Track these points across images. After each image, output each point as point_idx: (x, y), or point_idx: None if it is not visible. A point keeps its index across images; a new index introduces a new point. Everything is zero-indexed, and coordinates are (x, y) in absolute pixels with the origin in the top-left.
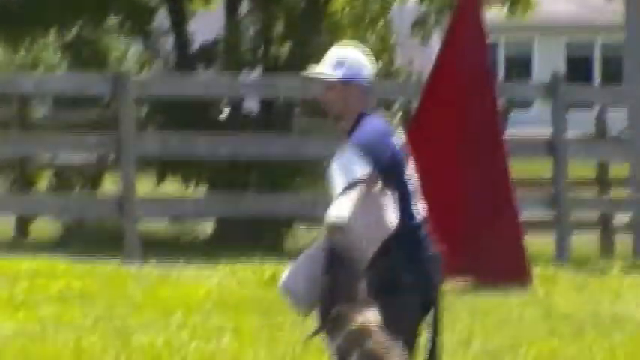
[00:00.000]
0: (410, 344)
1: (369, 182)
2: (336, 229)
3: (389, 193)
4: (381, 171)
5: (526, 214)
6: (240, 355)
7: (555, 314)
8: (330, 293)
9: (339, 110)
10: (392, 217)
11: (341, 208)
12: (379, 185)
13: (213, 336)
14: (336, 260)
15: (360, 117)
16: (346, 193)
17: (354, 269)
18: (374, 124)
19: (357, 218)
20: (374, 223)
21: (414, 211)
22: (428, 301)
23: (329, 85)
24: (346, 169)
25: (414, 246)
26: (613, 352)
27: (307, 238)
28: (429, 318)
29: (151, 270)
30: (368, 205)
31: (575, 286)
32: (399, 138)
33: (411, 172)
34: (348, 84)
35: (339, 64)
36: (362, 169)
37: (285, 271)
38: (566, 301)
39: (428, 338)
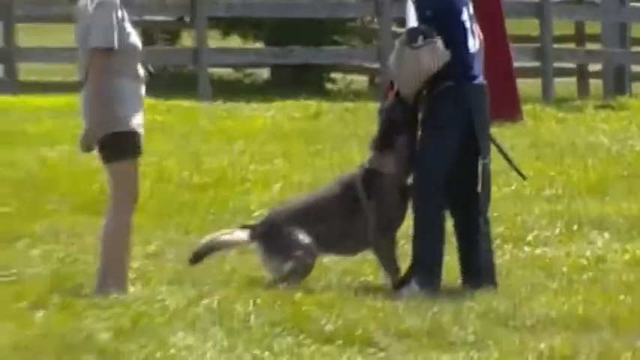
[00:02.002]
0: (459, 171)
1: (415, 34)
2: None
3: (436, 40)
4: (431, 17)
5: (518, 64)
6: (289, 175)
7: (541, 143)
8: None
9: None
10: (429, 63)
11: (390, 57)
12: (425, 35)
13: (268, 160)
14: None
15: None
16: (401, 41)
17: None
18: None
19: (397, 66)
20: (410, 71)
21: (465, 47)
22: (471, 130)
23: None
24: (407, 17)
25: (459, 78)
26: (587, 172)
27: (343, 82)
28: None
29: (219, 107)
30: (406, 57)
31: (557, 121)
32: None
33: (471, 12)
34: None
35: None
36: (413, 22)
37: None
38: (550, 132)
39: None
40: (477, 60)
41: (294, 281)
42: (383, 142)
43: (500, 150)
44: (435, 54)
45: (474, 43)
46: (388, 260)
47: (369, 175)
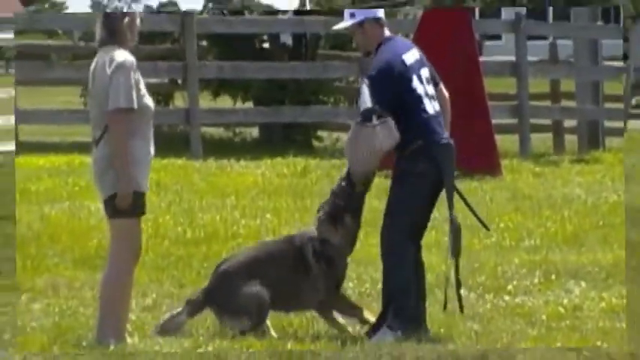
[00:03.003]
0: (423, 221)
1: (370, 114)
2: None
3: (389, 120)
4: (384, 99)
5: (496, 121)
6: (279, 229)
7: (519, 196)
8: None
9: (365, 47)
10: (385, 140)
11: (345, 140)
12: (378, 115)
13: (258, 215)
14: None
15: (378, 47)
16: (356, 122)
17: (351, 182)
18: (383, 55)
19: (352, 144)
20: (365, 149)
21: (423, 111)
22: (440, 184)
23: (352, 30)
24: (361, 100)
25: (426, 138)
26: (564, 224)
27: (329, 140)
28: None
29: (211, 165)
30: (362, 135)
31: (534, 174)
32: (413, 54)
33: (424, 77)
34: (362, 24)
35: (352, 14)
36: (368, 103)
37: None
38: (528, 186)
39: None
40: (437, 121)
41: (260, 330)
42: (333, 219)
43: (465, 202)
44: (390, 132)
45: (432, 107)
46: (346, 307)
47: (319, 244)
